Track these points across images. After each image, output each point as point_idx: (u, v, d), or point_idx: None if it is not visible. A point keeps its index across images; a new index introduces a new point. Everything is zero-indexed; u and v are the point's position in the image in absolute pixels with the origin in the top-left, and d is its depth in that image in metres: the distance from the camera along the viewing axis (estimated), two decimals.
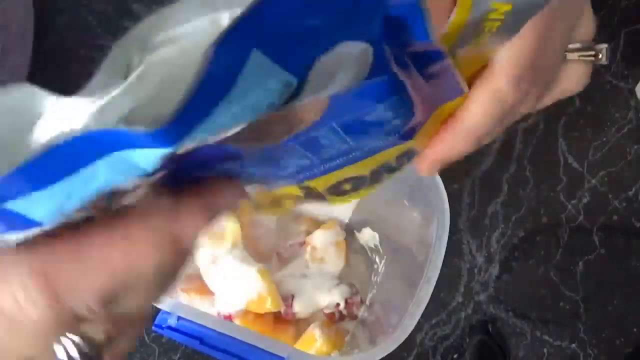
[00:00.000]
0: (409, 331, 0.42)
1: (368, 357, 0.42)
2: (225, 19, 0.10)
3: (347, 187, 0.24)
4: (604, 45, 0.23)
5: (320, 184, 0.22)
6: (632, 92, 0.98)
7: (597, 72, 0.98)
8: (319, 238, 0.57)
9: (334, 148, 0.18)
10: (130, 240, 0.14)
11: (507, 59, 0.20)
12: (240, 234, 0.54)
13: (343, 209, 0.60)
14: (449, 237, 0.45)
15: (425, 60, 0.16)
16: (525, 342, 0.85)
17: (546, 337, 0.86)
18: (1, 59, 0.46)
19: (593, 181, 0.92)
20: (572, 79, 0.24)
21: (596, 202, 0.91)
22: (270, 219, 0.59)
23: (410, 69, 0.16)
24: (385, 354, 0.41)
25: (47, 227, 0.13)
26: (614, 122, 0.94)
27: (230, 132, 0.12)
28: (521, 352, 0.85)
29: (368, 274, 0.60)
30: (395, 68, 0.15)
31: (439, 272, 0.44)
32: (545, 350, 0.86)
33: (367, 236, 0.60)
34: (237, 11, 0.10)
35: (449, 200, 0.45)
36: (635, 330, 0.87)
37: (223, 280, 0.53)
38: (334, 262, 0.57)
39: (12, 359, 0.14)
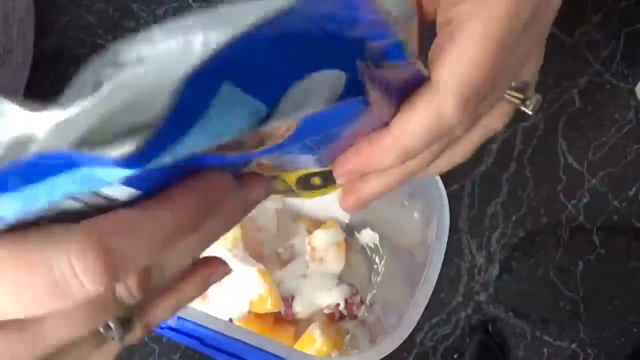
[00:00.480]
0: (409, 331, 0.42)
1: (368, 357, 0.42)
2: (198, 41, 0.10)
3: (317, 181, 0.23)
4: (537, 96, 0.22)
5: (289, 175, 0.22)
6: (632, 92, 0.98)
7: (597, 72, 0.98)
8: (319, 238, 0.57)
9: (304, 154, 0.19)
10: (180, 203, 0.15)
11: (456, 76, 0.17)
12: (240, 234, 0.54)
13: (343, 209, 0.60)
14: (449, 237, 0.45)
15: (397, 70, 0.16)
16: (525, 342, 0.85)
17: (546, 337, 0.86)
18: (4, 58, 0.46)
19: (593, 181, 0.92)
20: (496, 116, 0.22)
21: (596, 202, 0.91)
22: (270, 219, 0.59)
23: (382, 81, 0.16)
24: (385, 354, 0.41)
25: (12, 221, 0.13)
26: (614, 122, 0.94)
27: (203, 150, 0.12)
28: (521, 352, 0.85)
29: (368, 274, 0.60)
30: (369, 85, 0.15)
31: (439, 272, 0.44)
32: (545, 350, 0.86)
33: (367, 236, 0.60)
34: (211, 35, 0.10)
35: (449, 200, 0.45)
36: (635, 330, 0.87)
37: (223, 280, 0.53)
38: (334, 262, 0.57)
39: (57, 333, 0.14)
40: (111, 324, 0.16)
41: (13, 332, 0.13)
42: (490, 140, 0.97)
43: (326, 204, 0.59)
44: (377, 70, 0.16)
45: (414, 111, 0.18)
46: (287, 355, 0.41)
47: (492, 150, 0.95)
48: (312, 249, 0.57)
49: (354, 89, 0.15)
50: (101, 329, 0.16)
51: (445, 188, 0.46)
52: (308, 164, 0.20)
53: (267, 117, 0.12)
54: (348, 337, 0.56)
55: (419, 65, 0.17)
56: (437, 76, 0.18)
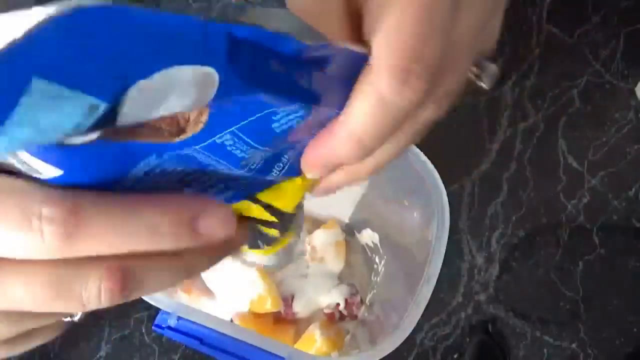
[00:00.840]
0: (409, 331, 0.42)
1: (368, 357, 0.42)
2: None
3: None
4: (492, 66, 0.20)
5: (284, 200, 0.21)
6: (632, 92, 0.98)
7: (597, 72, 0.98)
8: (319, 238, 0.57)
9: (258, 160, 0.17)
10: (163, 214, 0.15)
11: (385, 48, 0.15)
12: None
13: (343, 209, 0.60)
14: (449, 237, 0.45)
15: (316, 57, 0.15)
16: (525, 342, 0.86)
17: (546, 337, 0.86)
18: None
19: (593, 181, 0.92)
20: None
21: (596, 202, 0.91)
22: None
23: (303, 69, 0.15)
24: (385, 354, 0.41)
25: None
26: (614, 122, 0.94)
27: (42, 143, 0.12)
28: (521, 352, 0.85)
29: (368, 274, 0.60)
30: (279, 74, 0.14)
31: (439, 272, 0.44)
32: (545, 350, 0.86)
33: (367, 236, 0.60)
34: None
35: (449, 200, 0.45)
36: (635, 330, 0.87)
37: (223, 280, 0.53)
38: (334, 262, 0.57)
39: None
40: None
41: None
42: (490, 140, 0.98)
43: (326, 204, 0.59)
44: (289, 61, 0.14)
45: (355, 96, 0.16)
46: (287, 355, 0.41)
47: (492, 150, 0.95)
48: (312, 248, 0.57)
49: (246, 85, 0.14)
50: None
51: (445, 188, 0.46)
52: (281, 170, 0.19)
53: (114, 113, 0.12)
54: (348, 337, 0.56)
55: (350, 45, 0.16)
56: (370, 54, 0.16)
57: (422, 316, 0.42)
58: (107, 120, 0.12)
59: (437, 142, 1.06)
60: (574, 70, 0.98)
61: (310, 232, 0.59)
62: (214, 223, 0.15)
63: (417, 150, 0.46)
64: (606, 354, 0.88)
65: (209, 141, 0.15)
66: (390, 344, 0.42)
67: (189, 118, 0.14)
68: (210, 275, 0.54)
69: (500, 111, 0.97)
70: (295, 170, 0.19)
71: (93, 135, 0.12)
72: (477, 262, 0.90)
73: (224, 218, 0.16)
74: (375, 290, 0.58)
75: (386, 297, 0.55)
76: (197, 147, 0.15)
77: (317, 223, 0.60)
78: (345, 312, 0.57)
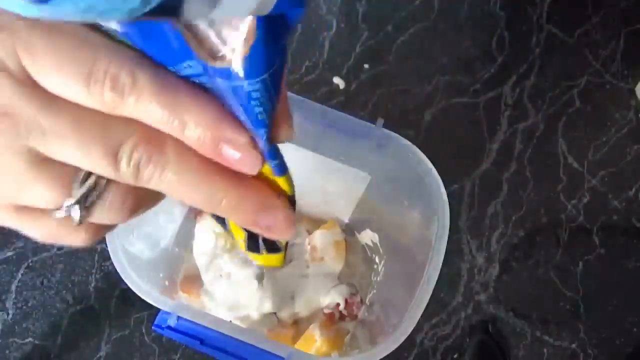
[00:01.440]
0: (409, 331, 0.42)
1: (368, 357, 0.42)
2: None
3: None
4: None
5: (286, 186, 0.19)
6: (632, 92, 0.98)
7: (597, 72, 0.98)
8: (319, 238, 0.57)
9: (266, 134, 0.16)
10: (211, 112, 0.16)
11: None
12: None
13: (343, 209, 0.60)
14: (449, 237, 0.45)
15: None
16: (525, 342, 0.86)
17: (546, 337, 0.86)
18: None
19: (593, 181, 0.92)
20: None
21: (596, 202, 0.91)
22: None
23: None
24: (385, 354, 0.41)
25: None
26: (614, 122, 0.94)
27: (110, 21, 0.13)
28: (521, 352, 0.85)
29: (368, 274, 0.60)
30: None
31: (439, 272, 0.44)
32: (545, 350, 0.86)
33: (367, 236, 0.60)
34: None
35: (449, 200, 0.45)
36: (635, 330, 0.87)
37: (223, 280, 0.53)
38: (334, 262, 0.57)
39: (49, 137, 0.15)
40: (78, 189, 0.16)
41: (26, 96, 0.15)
42: (490, 140, 0.97)
43: (326, 203, 0.59)
44: None
45: None
46: (287, 355, 0.41)
47: (492, 150, 0.95)
48: (312, 248, 0.57)
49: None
50: (71, 195, 0.16)
51: (445, 188, 0.46)
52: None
53: (174, 6, 0.12)
54: (348, 337, 0.56)
55: None
56: None
57: (422, 316, 0.42)
58: (166, 11, 0.12)
59: (437, 142, 1.06)
60: (574, 70, 0.98)
61: (310, 232, 0.59)
62: (235, 152, 0.16)
63: (417, 150, 0.46)
64: (606, 354, 0.88)
65: (239, 83, 0.15)
66: (390, 344, 0.42)
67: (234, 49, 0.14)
68: (210, 276, 0.54)
69: (500, 111, 0.97)
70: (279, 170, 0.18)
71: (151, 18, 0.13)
72: (477, 262, 0.90)
73: (247, 152, 0.16)
74: (375, 290, 0.58)
75: (386, 297, 0.55)
76: (229, 83, 0.15)
77: (317, 223, 0.60)
78: (345, 312, 0.57)
